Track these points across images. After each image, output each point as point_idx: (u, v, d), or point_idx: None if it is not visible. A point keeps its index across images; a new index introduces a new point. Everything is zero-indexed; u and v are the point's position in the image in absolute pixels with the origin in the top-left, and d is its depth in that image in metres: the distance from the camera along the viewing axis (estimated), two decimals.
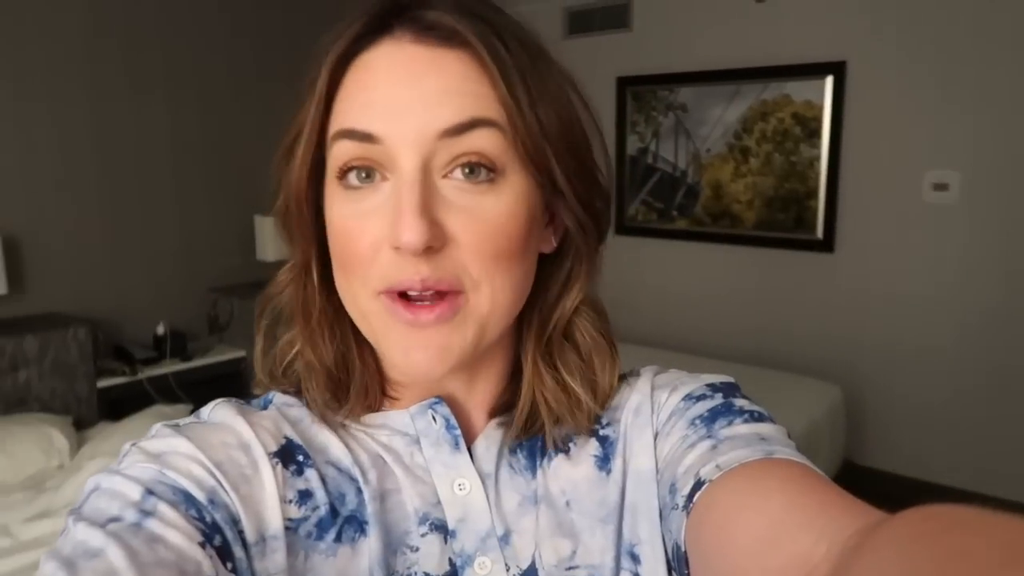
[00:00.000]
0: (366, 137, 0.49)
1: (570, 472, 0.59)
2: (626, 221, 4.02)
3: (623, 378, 0.64)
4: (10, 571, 1.96)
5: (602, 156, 0.57)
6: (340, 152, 0.50)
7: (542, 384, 0.58)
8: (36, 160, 3.17)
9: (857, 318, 3.38)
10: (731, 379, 0.61)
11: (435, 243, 0.48)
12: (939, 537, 0.29)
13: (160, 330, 3.37)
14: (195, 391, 3.23)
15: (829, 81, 3.30)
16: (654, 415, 0.59)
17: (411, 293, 0.49)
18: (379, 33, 0.51)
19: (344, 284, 0.53)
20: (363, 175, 0.50)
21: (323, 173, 0.53)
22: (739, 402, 0.57)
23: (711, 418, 0.55)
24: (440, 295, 0.50)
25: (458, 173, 0.49)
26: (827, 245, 3.41)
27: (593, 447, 0.60)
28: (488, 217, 0.50)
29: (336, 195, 0.51)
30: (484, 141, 0.49)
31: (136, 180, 3.47)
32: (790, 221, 3.50)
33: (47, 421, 2.74)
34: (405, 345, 0.51)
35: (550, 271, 0.59)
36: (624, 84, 3.89)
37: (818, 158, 3.38)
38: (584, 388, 0.59)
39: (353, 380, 0.57)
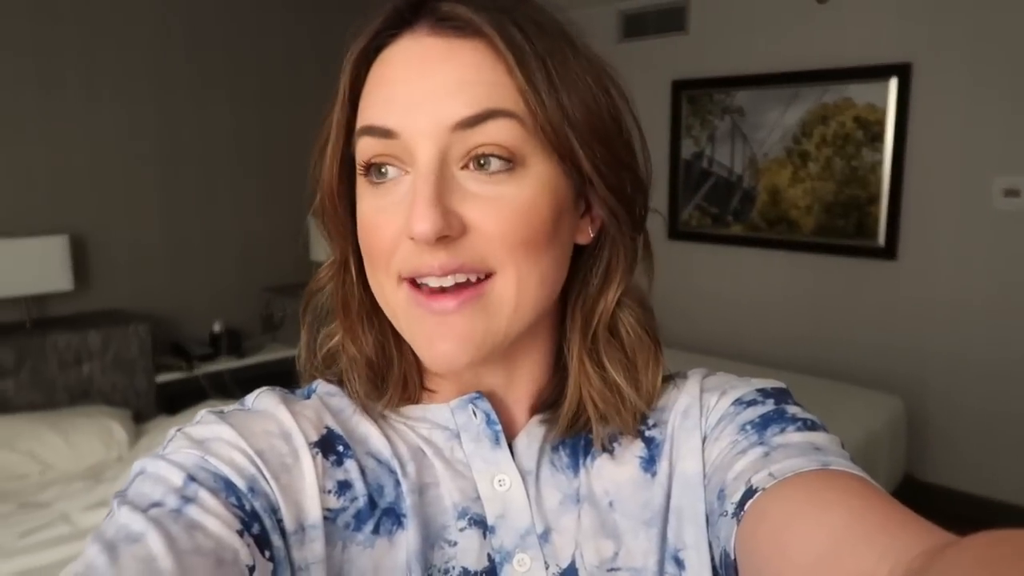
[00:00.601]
0: (385, 132, 0.49)
1: (614, 472, 0.58)
2: (680, 226, 3.96)
3: (669, 379, 0.62)
4: (69, 557, 2.01)
5: (640, 145, 0.56)
6: (363, 148, 0.51)
7: (588, 382, 0.57)
8: (103, 163, 3.28)
9: (921, 328, 3.26)
10: (782, 384, 0.60)
11: (449, 232, 0.48)
12: (1011, 563, 0.28)
13: (216, 328, 3.45)
14: (249, 388, 3.26)
15: (893, 83, 3.19)
16: (703, 418, 0.58)
17: (432, 283, 0.49)
18: (399, 28, 0.51)
19: (372, 277, 0.54)
20: (385, 170, 0.50)
21: (355, 170, 0.54)
22: (791, 409, 0.55)
23: (763, 424, 0.53)
24: (461, 286, 0.50)
25: (473, 165, 0.49)
26: (889, 252, 3.30)
27: (638, 448, 0.59)
28: (508, 205, 0.49)
29: (364, 191, 0.52)
30: (500, 132, 0.48)
31: (196, 183, 3.56)
32: (850, 227, 3.40)
33: (108, 414, 2.82)
34: (429, 335, 0.51)
35: (590, 263, 0.58)
36: (679, 88, 3.84)
37: (880, 163, 3.27)
38: (630, 386, 0.57)
39: (391, 371, 0.58)
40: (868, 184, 3.33)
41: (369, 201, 0.52)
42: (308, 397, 0.59)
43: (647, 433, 0.59)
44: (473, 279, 0.50)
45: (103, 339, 3.04)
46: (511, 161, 0.49)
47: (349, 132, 0.53)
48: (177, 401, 3.16)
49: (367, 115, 0.51)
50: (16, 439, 2.58)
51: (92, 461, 2.64)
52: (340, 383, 0.60)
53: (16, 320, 3.04)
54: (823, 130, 3.42)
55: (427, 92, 0.48)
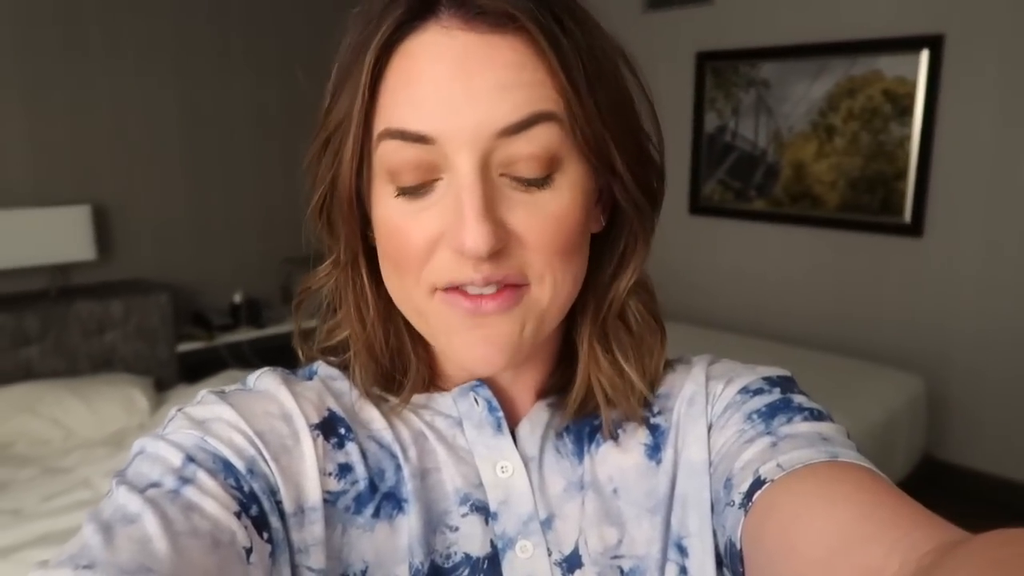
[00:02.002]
0: (419, 138, 0.46)
1: (619, 459, 0.58)
2: (701, 201, 3.91)
3: (670, 364, 0.62)
4: None
5: (653, 126, 0.54)
6: (390, 152, 0.47)
7: (598, 368, 0.56)
8: (127, 133, 3.30)
9: (946, 306, 3.21)
10: (788, 373, 0.59)
11: (500, 245, 0.46)
12: (1022, 564, 0.28)
13: (236, 299, 3.49)
14: (268, 358, 3.32)
15: (924, 56, 3.11)
16: (708, 406, 0.57)
17: (471, 291, 0.48)
18: (424, 17, 0.47)
19: (396, 283, 0.52)
20: (416, 181, 0.47)
21: (364, 167, 0.51)
22: (797, 398, 0.55)
23: (769, 414, 0.53)
24: (501, 286, 0.48)
25: (518, 171, 0.47)
26: (915, 229, 3.23)
27: (643, 435, 0.58)
28: (549, 213, 0.48)
29: (385, 193, 0.49)
30: (544, 137, 0.46)
31: (219, 154, 3.58)
32: (876, 203, 3.33)
33: (130, 382, 2.87)
34: (467, 340, 0.49)
35: (601, 250, 0.56)
36: (704, 59, 3.76)
37: (908, 138, 3.20)
38: (636, 372, 0.57)
39: (408, 375, 0.57)
40: (895, 159, 3.25)
41: (393, 205, 0.49)
42: (310, 378, 0.59)
43: (652, 420, 0.59)
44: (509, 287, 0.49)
45: (125, 308, 3.08)
46: (552, 168, 0.48)
47: (367, 129, 0.49)
48: (198, 370, 3.20)
49: (394, 117, 0.47)
50: (40, 405, 2.64)
51: (114, 428, 2.69)
52: (342, 367, 0.59)
53: (41, 289, 3.08)
54: (850, 103, 3.35)
55: (466, 95, 0.45)
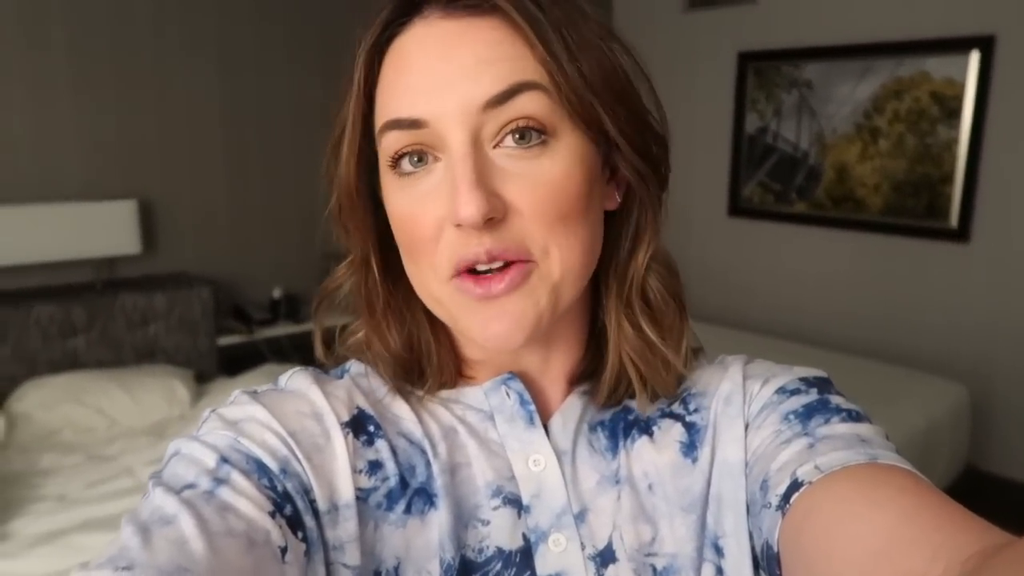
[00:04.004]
0: (412, 123, 0.48)
1: (654, 456, 0.58)
2: (741, 202, 3.86)
3: (704, 357, 0.62)
4: (131, 509, 2.11)
5: (652, 101, 0.55)
6: (390, 142, 0.50)
7: (627, 344, 0.56)
8: (172, 131, 3.37)
9: (991, 314, 3.12)
10: (824, 374, 0.58)
11: (495, 214, 0.47)
12: None
13: (276, 294, 3.53)
14: (305, 353, 3.37)
15: (975, 57, 3.03)
16: (745, 406, 0.57)
17: (480, 267, 0.49)
18: (409, 15, 0.50)
19: (414, 271, 0.53)
20: (415, 160, 0.50)
21: (374, 165, 0.53)
22: (835, 399, 0.54)
23: (806, 414, 0.53)
24: (508, 264, 0.49)
25: (509, 140, 0.48)
26: (962, 235, 3.16)
27: (679, 433, 0.58)
28: (545, 180, 0.49)
29: (392, 184, 0.51)
30: (530, 104, 0.48)
31: (260, 151, 3.63)
32: (921, 208, 3.26)
33: (171, 373, 2.93)
34: (482, 319, 0.50)
35: (618, 228, 0.57)
36: (746, 59, 3.72)
37: (956, 141, 3.12)
38: (668, 347, 0.57)
39: (429, 363, 0.57)
40: (942, 162, 3.18)
41: (400, 194, 0.51)
42: (341, 377, 0.60)
43: (688, 418, 0.59)
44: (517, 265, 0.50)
45: (168, 301, 3.15)
46: (544, 133, 0.48)
47: (366, 127, 0.52)
48: (237, 363, 3.25)
49: (389, 108, 0.50)
50: (86, 394, 2.71)
51: (156, 418, 2.75)
52: (371, 364, 0.60)
53: (88, 281, 3.16)
54: (896, 105, 3.28)
55: (450, 75, 0.47)
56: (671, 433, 0.58)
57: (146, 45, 3.25)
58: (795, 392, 0.55)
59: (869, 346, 3.42)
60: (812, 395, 0.54)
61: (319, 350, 0.61)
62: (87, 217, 3.05)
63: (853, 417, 0.52)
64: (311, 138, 3.72)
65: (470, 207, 0.46)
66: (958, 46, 3.07)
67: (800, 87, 3.57)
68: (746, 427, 0.56)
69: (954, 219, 3.17)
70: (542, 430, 0.56)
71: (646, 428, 0.59)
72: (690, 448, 0.58)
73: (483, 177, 0.47)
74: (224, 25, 3.45)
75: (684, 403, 0.59)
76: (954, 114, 3.12)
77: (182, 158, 3.42)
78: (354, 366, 0.60)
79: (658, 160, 0.55)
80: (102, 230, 3.08)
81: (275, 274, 3.64)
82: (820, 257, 3.64)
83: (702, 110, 3.84)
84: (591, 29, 0.51)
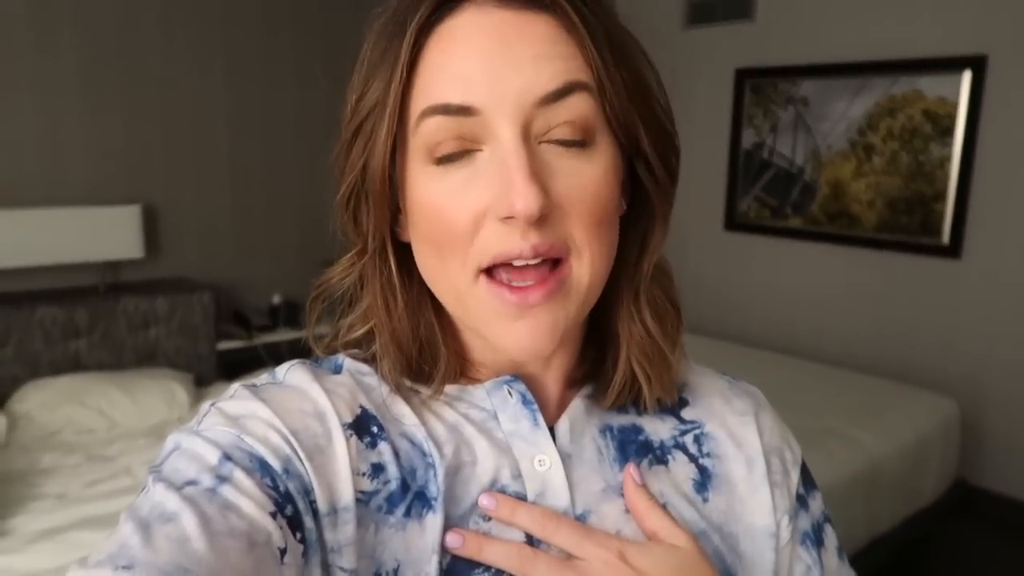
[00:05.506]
0: (462, 110, 0.47)
1: (669, 479, 0.59)
2: (737, 217, 3.91)
3: (704, 377, 0.67)
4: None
5: (667, 114, 0.56)
6: (431, 128, 0.48)
7: (637, 348, 0.57)
8: (176, 137, 3.42)
9: (983, 330, 3.16)
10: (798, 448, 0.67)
11: (547, 210, 0.47)
12: None
13: (276, 300, 3.57)
14: (304, 358, 3.40)
15: (967, 76, 3.08)
16: (770, 474, 0.62)
17: (516, 263, 0.48)
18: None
19: (437, 266, 0.51)
20: (454, 148, 0.48)
21: (397, 152, 0.51)
22: (823, 511, 0.65)
23: (816, 540, 0.62)
24: (541, 271, 0.49)
25: (556, 136, 0.48)
26: (954, 251, 3.20)
27: (691, 471, 0.60)
28: (588, 182, 0.49)
29: (423, 173, 0.49)
30: (580, 106, 0.48)
31: (263, 159, 3.68)
32: (914, 224, 3.31)
33: (171, 376, 2.96)
34: (513, 329, 0.50)
35: (625, 234, 0.56)
36: (743, 76, 3.77)
37: (949, 159, 3.17)
38: (669, 351, 0.58)
39: (437, 368, 0.56)
40: (935, 180, 3.23)
41: (432, 184, 0.49)
42: (337, 371, 0.58)
43: (700, 461, 0.60)
44: (551, 263, 0.49)
45: (170, 305, 3.18)
46: (587, 134, 0.49)
47: (401, 109, 0.49)
48: (236, 368, 3.28)
49: (435, 93, 0.48)
50: (87, 396, 2.74)
51: (155, 420, 2.78)
52: (369, 360, 0.58)
53: (91, 284, 3.20)
54: (890, 123, 3.33)
55: (506, 67, 0.47)
56: (685, 469, 0.60)
57: (154, 53, 3.31)
58: (802, 501, 0.63)
59: (861, 359, 3.45)
60: (815, 505, 0.64)
61: (313, 341, 0.60)
62: (92, 221, 3.10)
63: (839, 550, 0.65)
64: (313, 147, 3.78)
65: (528, 199, 0.45)
66: (951, 66, 3.13)
67: (796, 104, 3.63)
68: (772, 495, 0.60)
69: (946, 236, 3.21)
70: (547, 431, 0.56)
71: (662, 458, 0.59)
72: (701, 487, 0.59)
73: (537, 170, 0.47)
74: (231, 35, 3.50)
75: (698, 442, 0.61)
76: (947, 132, 3.17)
77: (186, 165, 3.47)
78: (349, 361, 0.58)
79: (675, 171, 0.56)
80: (106, 234, 3.13)
81: (275, 280, 3.67)
82: (814, 272, 3.68)
83: (700, 125, 3.89)
84: (630, 37, 0.52)
